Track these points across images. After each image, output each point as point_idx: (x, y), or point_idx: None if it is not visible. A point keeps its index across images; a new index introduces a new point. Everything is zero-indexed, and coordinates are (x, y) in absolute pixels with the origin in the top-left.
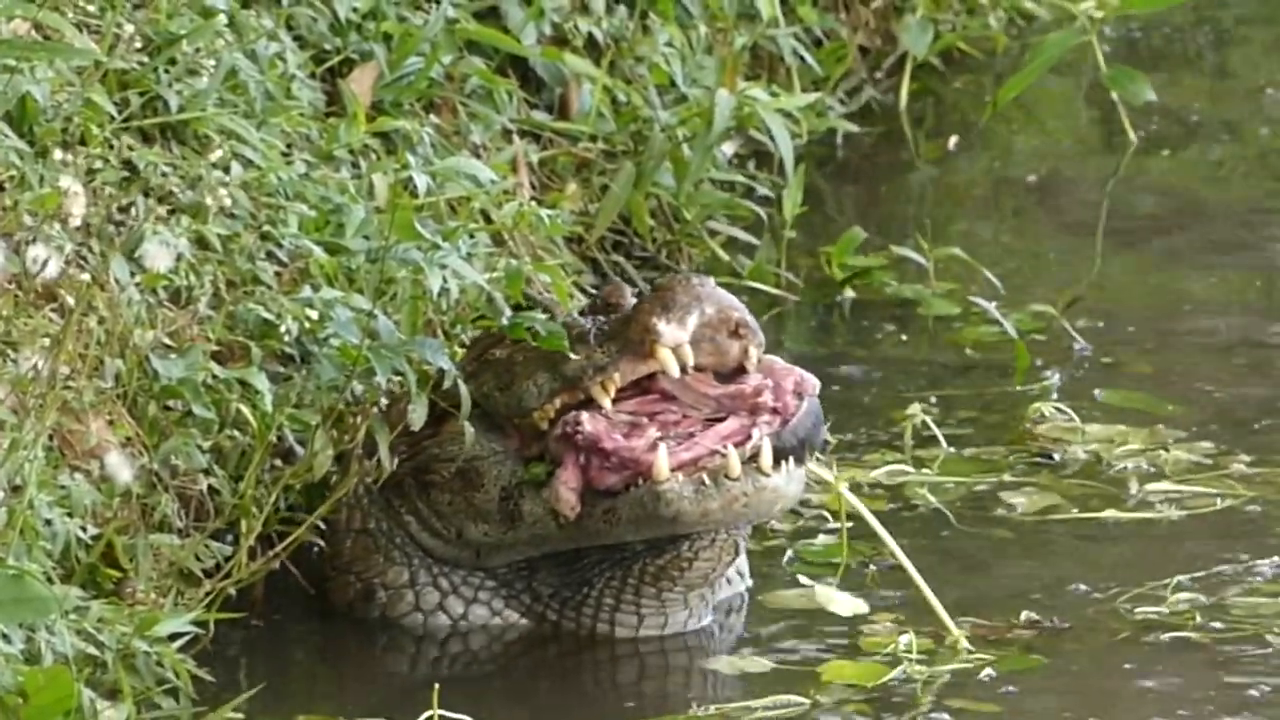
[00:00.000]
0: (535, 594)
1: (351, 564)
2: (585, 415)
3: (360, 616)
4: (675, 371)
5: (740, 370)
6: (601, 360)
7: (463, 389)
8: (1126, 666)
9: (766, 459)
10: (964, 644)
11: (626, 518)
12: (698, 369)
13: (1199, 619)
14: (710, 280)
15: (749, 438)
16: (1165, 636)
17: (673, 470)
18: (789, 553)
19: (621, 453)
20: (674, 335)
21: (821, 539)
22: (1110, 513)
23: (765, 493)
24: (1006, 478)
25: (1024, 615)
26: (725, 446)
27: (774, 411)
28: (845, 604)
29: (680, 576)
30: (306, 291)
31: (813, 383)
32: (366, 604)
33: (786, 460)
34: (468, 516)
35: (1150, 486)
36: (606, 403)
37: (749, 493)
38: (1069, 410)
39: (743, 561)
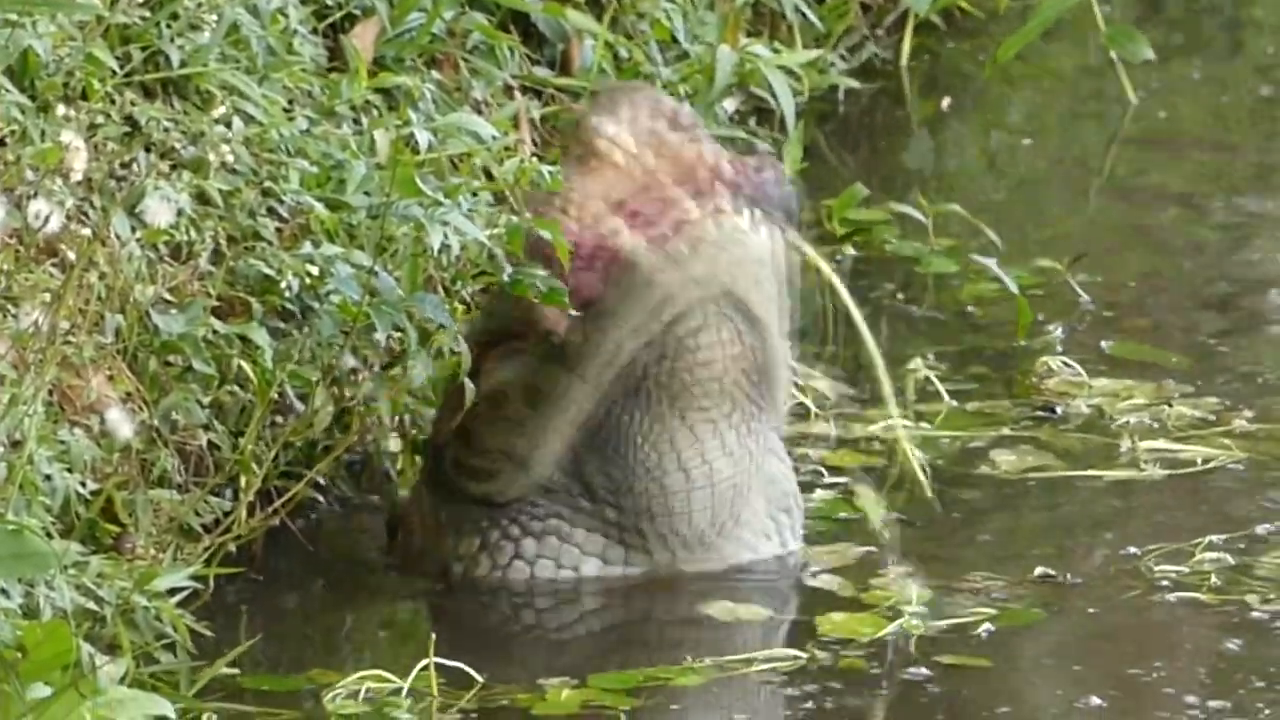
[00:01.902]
0: (591, 491)
1: (423, 554)
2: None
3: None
4: (617, 157)
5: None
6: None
7: (463, 345)
8: (1130, 623)
9: (728, 208)
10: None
11: (621, 316)
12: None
13: (1215, 580)
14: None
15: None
16: (1172, 597)
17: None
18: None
19: (588, 243)
20: (607, 126)
21: (819, 494)
22: (1090, 471)
23: (740, 241)
24: (1006, 432)
25: (1038, 571)
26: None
27: (733, 183)
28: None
29: (693, 377)
30: (307, 247)
31: (778, 164)
32: (446, 579)
33: (754, 214)
34: (507, 433)
35: (1144, 444)
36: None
37: (725, 245)
38: (1075, 364)
39: (798, 518)
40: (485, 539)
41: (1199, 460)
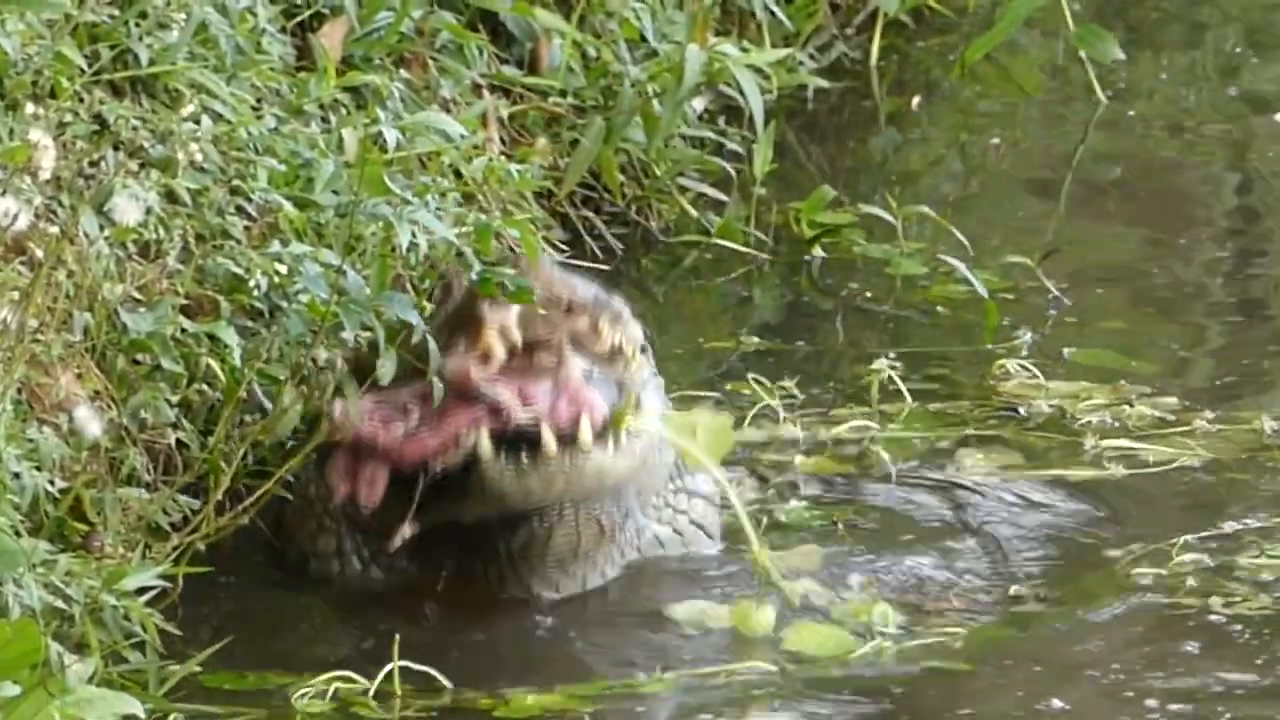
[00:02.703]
0: (440, 565)
1: (291, 530)
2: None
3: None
4: (500, 353)
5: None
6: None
7: (432, 345)
8: (1102, 632)
9: (585, 435)
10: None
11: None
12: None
13: (1193, 583)
14: (547, 262)
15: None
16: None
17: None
18: (762, 519)
19: (376, 442)
20: (497, 317)
21: (793, 503)
22: (1057, 471)
23: (588, 468)
24: (970, 432)
25: (1013, 590)
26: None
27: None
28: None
29: (545, 555)
30: (275, 246)
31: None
32: (303, 570)
33: (606, 435)
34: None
35: (1106, 442)
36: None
37: (567, 470)
38: (1032, 368)
39: (713, 521)
40: (341, 546)
41: (1155, 460)
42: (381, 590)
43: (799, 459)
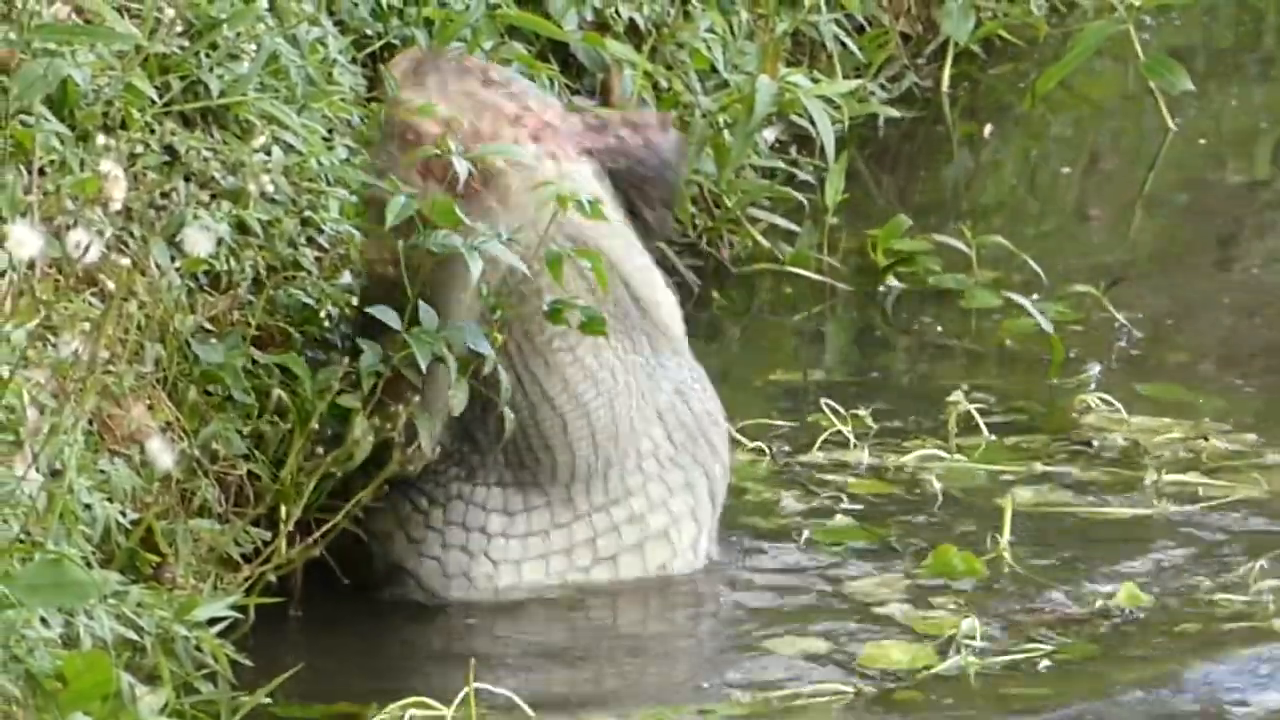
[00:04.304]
0: (478, 444)
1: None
2: None
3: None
4: (430, 126)
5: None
6: (382, 165)
7: (503, 376)
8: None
9: (562, 153)
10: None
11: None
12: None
13: (1273, 607)
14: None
15: None
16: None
17: None
18: (805, 533)
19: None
20: (414, 99)
21: (839, 518)
22: (1092, 510)
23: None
24: (1040, 466)
25: (1099, 604)
26: None
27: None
28: None
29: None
30: (347, 277)
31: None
32: (387, 581)
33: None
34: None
35: (1168, 478)
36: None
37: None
38: (1115, 401)
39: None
40: (399, 513)
41: (1215, 495)
42: (459, 612)
43: (851, 479)
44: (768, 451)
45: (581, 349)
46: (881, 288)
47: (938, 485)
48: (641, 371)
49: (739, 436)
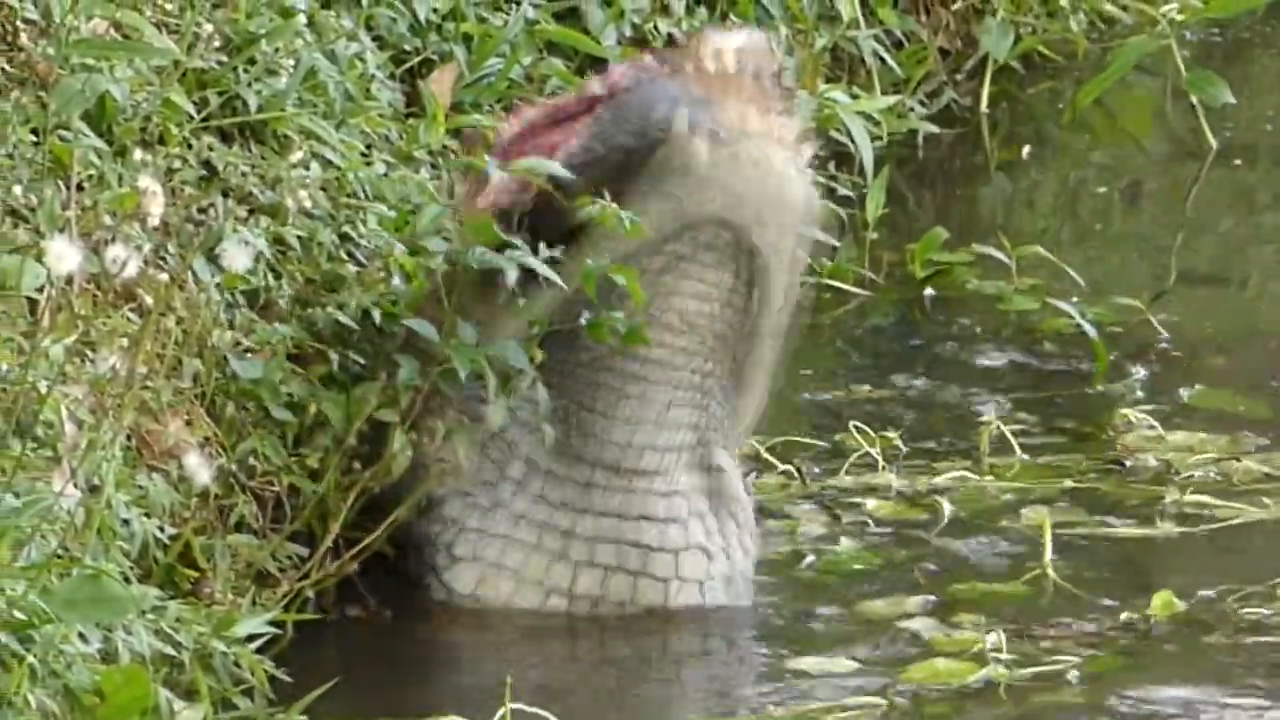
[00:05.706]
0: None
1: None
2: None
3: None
4: (710, 65)
5: None
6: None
7: (541, 392)
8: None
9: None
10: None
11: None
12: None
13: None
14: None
15: None
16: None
17: None
18: (809, 558)
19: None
20: (720, 40)
21: (845, 543)
22: (1092, 529)
23: (775, 162)
24: (1069, 484)
25: (1123, 617)
26: None
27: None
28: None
29: (661, 307)
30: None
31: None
32: (421, 583)
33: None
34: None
35: (1188, 498)
36: None
37: (756, 158)
38: (1151, 418)
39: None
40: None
41: (1242, 516)
42: (495, 628)
43: (872, 503)
44: (797, 474)
45: (660, 389)
46: (920, 294)
47: (948, 509)
48: (701, 437)
49: (769, 457)
